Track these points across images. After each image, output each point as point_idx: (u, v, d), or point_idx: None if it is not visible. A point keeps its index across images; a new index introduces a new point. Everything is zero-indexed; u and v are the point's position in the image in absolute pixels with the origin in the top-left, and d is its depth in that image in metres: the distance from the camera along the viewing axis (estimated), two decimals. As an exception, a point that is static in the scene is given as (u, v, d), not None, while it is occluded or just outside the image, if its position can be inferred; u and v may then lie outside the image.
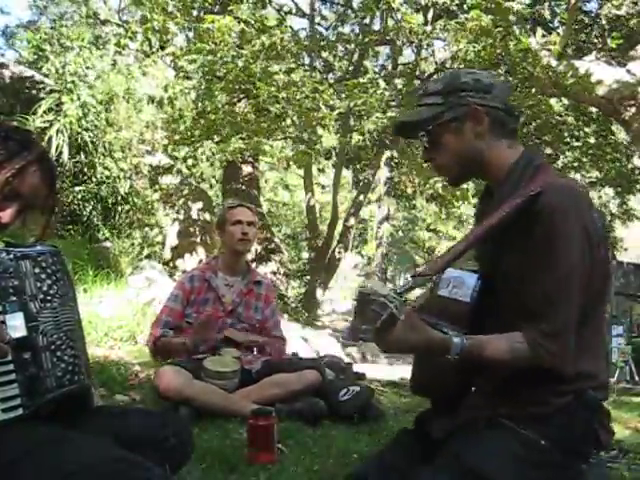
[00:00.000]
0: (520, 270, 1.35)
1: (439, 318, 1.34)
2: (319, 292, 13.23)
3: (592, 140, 9.79)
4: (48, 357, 1.36)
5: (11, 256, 1.37)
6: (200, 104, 8.10)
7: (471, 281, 1.39)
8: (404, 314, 1.27)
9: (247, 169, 11.02)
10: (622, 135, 9.82)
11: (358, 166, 12.53)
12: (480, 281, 1.39)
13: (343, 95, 7.75)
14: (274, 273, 10.66)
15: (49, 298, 1.40)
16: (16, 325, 1.32)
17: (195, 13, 8.45)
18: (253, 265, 5.19)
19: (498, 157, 1.44)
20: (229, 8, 7.81)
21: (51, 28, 11.68)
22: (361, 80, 8.04)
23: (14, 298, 1.34)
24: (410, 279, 1.36)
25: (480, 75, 1.46)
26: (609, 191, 11.96)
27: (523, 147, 1.48)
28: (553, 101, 8.43)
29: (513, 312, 1.35)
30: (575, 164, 10.68)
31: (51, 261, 1.44)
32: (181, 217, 9.18)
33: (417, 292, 1.44)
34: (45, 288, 1.40)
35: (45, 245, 1.49)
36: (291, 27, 9.69)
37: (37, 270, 1.40)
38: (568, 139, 9.85)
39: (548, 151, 9.96)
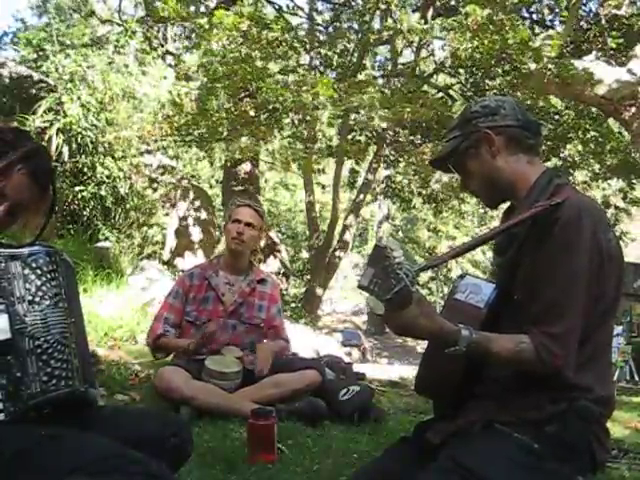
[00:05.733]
0: (533, 277, 1.38)
1: (452, 320, 1.36)
2: (319, 292, 13.22)
3: (592, 132, 9.72)
4: (34, 361, 1.31)
5: (0, 258, 1.34)
6: (201, 104, 8.10)
7: (487, 290, 1.45)
8: (417, 298, 1.28)
9: (247, 169, 11.01)
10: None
11: (354, 166, 12.41)
12: (496, 292, 1.44)
13: (340, 96, 7.74)
14: (274, 273, 10.66)
15: (37, 300, 1.36)
16: None
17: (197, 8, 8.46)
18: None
19: (520, 173, 1.50)
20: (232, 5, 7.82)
21: (48, 24, 11.65)
22: (360, 78, 8.02)
23: (0, 300, 1.31)
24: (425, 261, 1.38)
25: (488, 100, 1.55)
26: (612, 183, 11.90)
27: (545, 166, 1.54)
28: (553, 98, 8.39)
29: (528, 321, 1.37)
30: (576, 158, 10.64)
31: (43, 261, 1.40)
32: (181, 216, 9.18)
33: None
34: (34, 289, 1.36)
35: (42, 245, 1.44)
36: (290, 24, 9.67)
37: (27, 271, 1.36)
38: (568, 132, 9.81)
39: (548, 145, 9.89)
